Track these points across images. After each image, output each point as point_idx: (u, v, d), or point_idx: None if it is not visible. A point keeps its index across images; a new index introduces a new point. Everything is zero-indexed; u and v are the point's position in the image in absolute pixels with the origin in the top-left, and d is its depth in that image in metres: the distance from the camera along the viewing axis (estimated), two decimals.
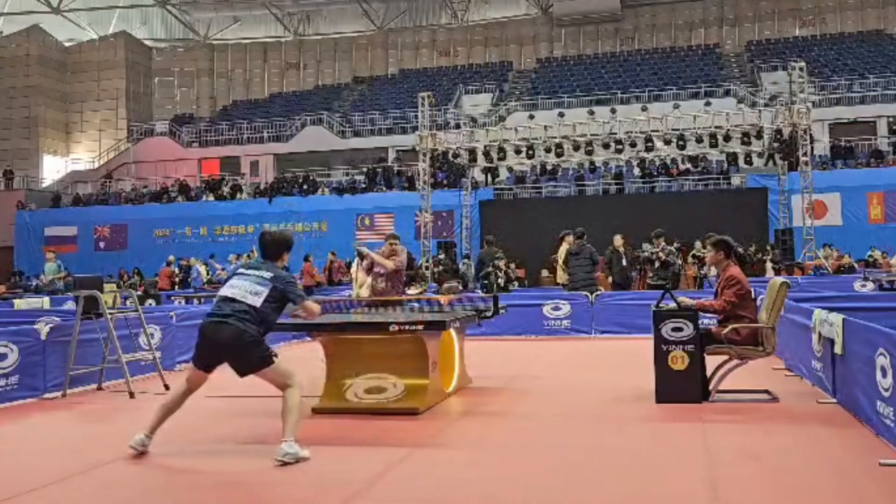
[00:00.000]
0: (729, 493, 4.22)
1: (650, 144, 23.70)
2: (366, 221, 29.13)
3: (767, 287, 7.34)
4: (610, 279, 15.81)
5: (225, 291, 5.23)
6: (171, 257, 25.77)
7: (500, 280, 15.69)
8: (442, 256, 23.43)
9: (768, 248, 22.04)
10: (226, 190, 32.54)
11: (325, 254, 23.58)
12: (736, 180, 26.73)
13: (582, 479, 4.59)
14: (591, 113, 29.23)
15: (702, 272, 18.01)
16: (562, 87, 35.60)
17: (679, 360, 6.68)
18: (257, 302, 5.12)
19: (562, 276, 15.02)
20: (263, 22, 44.63)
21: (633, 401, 6.83)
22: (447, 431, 6.00)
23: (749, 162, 24.62)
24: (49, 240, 31.37)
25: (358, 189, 30.90)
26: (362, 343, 6.75)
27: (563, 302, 12.98)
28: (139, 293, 14.37)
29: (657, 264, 14.22)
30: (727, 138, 22.79)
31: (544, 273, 23.21)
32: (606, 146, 23.52)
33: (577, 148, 23.74)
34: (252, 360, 5.10)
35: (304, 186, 31.62)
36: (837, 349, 6.19)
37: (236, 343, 5.03)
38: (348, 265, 21.68)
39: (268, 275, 5.24)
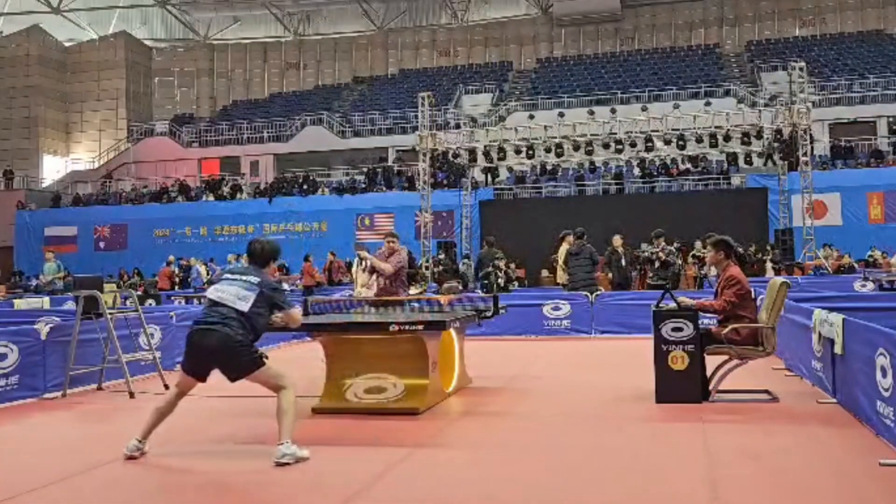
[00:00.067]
0: (729, 493, 4.22)
1: (650, 144, 23.71)
2: (366, 221, 29.14)
3: (767, 287, 7.34)
4: (609, 275, 15.78)
5: (212, 296, 5.21)
6: (171, 257, 25.78)
7: (500, 280, 15.69)
8: (442, 256, 23.43)
9: (768, 248, 22.04)
10: (226, 190, 32.55)
11: (325, 254, 23.57)
12: (736, 180, 26.73)
13: (582, 479, 4.59)
14: (591, 113, 29.23)
15: (702, 272, 18.01)
16: (562, 87, 35.61)
17: (679, 360, 6.68)
18: (245, 307, 5.12)
19: (562, 276, 15.02)
20: (263, 22, 44.64)
21: (633, 401, 6.83)
22: (447, 431, 6.00)
23: (749, 162, 24.63)
24: (49, 240, 31.38)
25: (358, 189, 30.91)
26: (362, 343, 6.75)
27: (563, 302, 12.97)
28: (139, 293, 14.38)
29: (657, 264, 14.22)
30: (727, 138, 22.79)
31: (544, 273, 23.21)
32: (606, 146, 23.52)
33: (577, 148, 23.75)
34: (241, 364, 5.08)
35: (304, 186, 31.62)
36: (837, 349, 6.19)
37: (224, 348, 5.02)
38: (348, 265, 21.68)
39: (255, 280, 5.23)
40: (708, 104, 28.86)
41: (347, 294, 12.48)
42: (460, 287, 15.64)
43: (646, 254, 14.92)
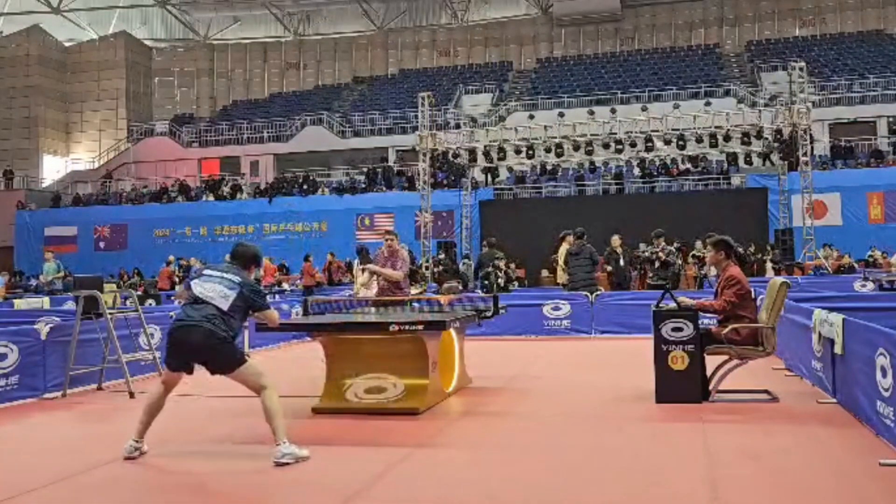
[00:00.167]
0: (729, 493, 4.22)
1: (650, 144, 23.71)
2: (366, 221, 29.13)
3: (767, 287, 7.34)
4: (609, 268, 15.76)
5: (196, 292, 5.20)
6: (171, 257, 25.77)
7: (499, 280, 15.69)
8: (442, 256, 23.42)
9: (768, 248, 22.04)
10: (226, 190, 32.55)
11: (325, 254, 23.59)
12: (736, 180, 26.72)
13: (582, 479, 4.59)
14: (591, 113, 29.23)
15: (702, 272, 18.01)
16: (562, 87, 35.61)
17: (679, 360, 6.68)
18: (225, 305, 5.14)
19: (562, 276, 15.02)
20: (263, 22, 44.64)
21: (633, 401, 6.83)
22: (447, 431, 6.00)
23: (749, 162, 24.63)
24: (49, 240, 31.39)
25: (358, 189, 30.91)
26: (362, 343, 6.75)
27: (563, 302, 12.97)
28: (139, 293, 14.38)
29: (657, 264, 14.22)
30: (727, 138, 22.79)
31: (544, 273, 23.21)
32: (606, 146, 23.53)
33: (577, 148, 23.75)
34: (224, 358, 5.10)
35: (304, 186, 31.62)
36: (837, 349, 6.18)
37: (206, 343, 5.04)
38: (348, 265, 21.72)
39: (237, 279, 5.25)
40: (708, 104, 28.86)
41: (347, 294, 12.49)
42: (460, 287, 15.64)
43: (646, 254, 14.93)
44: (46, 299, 16.15)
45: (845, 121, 30.29)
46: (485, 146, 24.59)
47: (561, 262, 14.90)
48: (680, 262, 16.21)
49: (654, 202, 25.80)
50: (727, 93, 32.08)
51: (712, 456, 4.96)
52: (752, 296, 7.17)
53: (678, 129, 23.35)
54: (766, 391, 6.88)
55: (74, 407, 7.41)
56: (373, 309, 8.63)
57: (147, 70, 44.14)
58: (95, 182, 36.97)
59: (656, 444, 5.38)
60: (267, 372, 5.28)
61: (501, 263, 17.31)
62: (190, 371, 5.28)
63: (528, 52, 42.16)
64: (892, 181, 25.38)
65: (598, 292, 13.19)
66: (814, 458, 4.91)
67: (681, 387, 6.64)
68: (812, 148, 23.47)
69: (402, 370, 6.59)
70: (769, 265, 20.61)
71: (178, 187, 33.51)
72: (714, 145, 23.20)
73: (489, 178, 28.71)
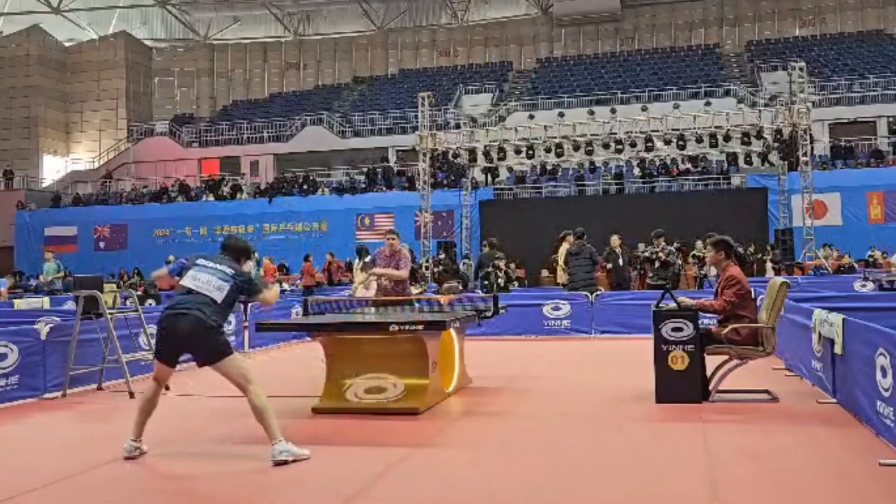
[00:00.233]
0: (729, 493, 4.22)
1: (650, 144, 23.71)
2: (366, 221, 29.14)
3: (767, 287, 7.34)
4: (608, 266, 15.74)
5: (189, 284, 5.21)
6: (171, 257, 25.68)
7: (499, 280, 15.69)
8: (442, 256, 23.42)
9: (768, 248, 22.04)
10: (226, 190, 32.55)
11: (325, 254, 23.59)
12: (736, 180, 26.73)
13: (582, 479, 4.59)
14: (591, 113, 29.23)
15: (702, 272, 18.01)
16: (562, 87, 35.61)
17: (679, 360, 6.68)
18: (220, 297, 5.18)
19: (562, 276, 15.02)
20: (263, 22, 44.64)
21: (633, 401, 6.83)
22: (447, 431, 6.00)
23: (749, 162, 24.63)
24: (49, 240, 31.38)
25: (358, 189, 30.91)
26: (362, 343, 6.75)
27: (563, 302, 12.97)
28: (139, 293, 14.39)
29: (657, 264, 14.22)
30: (727, 138, 22.79)
31: (544, 273, 23.22)
32: (606, 146, 23.52)
33: (577, 148, 23.75)
34: (211, 347, 5.09)
35: (304, 186, 31.63)
36: (837, 349, 6.18)
37: (195, 331, 5.04)
38: (348, 265, 21.72)
39: (230, 271, 5.28)
40: (708, 104, 28.86)
41: (347, 294, 12.49)
42: (460, 287, 15.64)
43: (645, 254, 14.93)
44: (46, 299, 16.15)
45: (845, 121, 30.29)
46: (485, 146, 24.59)
47: (561, 262, 14.91)
48: (680, 262, 16.21)
49: (654, 202, 25.81)
50: (727, 93, 32.09)
51: (712, 456, 4.95)
52: (752, 296, 7.17)
53: (678, 129, 23.35)
54: (766, 391, 6.88)
55: (74, 407, 7.41)
56: (373, 309, 8.63)
57: (147, 70, 44.14)
58: (95, 182, 36.97)
59: (656, 444, 5.38)
60: (252, 369, 5.28)
61: (501, 263, 17.31)
62: (174, 364, 5.27)
63: (528, 52, 42.16)
64: (892, 181, 25.38)
65: (598, 292, 13.19)
66: (814, 458, 4.91)
67: (681, 387, 6.64)
68: (812, 148, 23.47)
69: (402, 370, 6.59)
70: (769, 265, 20.61)
71: (178, 187, 33.51)
72: (714, 145, 23.20)
73: (489, 178, 28.71)
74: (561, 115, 29.86)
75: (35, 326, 7.92)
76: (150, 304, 14.81)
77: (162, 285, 5.78)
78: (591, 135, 23.67)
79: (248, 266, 5.74)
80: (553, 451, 5.23)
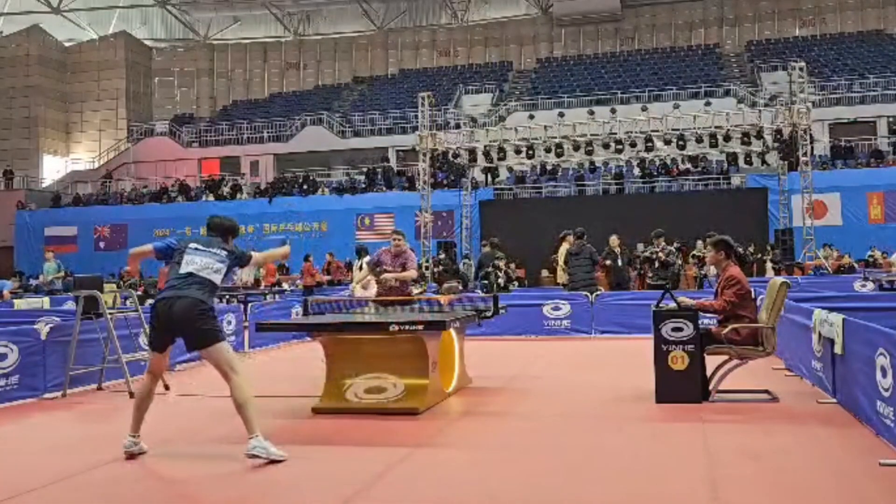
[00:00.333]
0: (729, 493, 4.22)
1: (650, 144, 23.70)
2: (366, 221, 29.14)
3: (767, 287, 7.34)
4: (608, 263, 15.74)
5: (187, 269, 5.23)
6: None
7: (500, 280, 15.69)
8: (442, 256, 23.43)
9: (768, 248, 22.03)
10: (226, 190, 32.55)
11: (325, 254, 23.59)
12: (736, 180, 26.73)
13: (582, 479, 4.59)
14: (591, 113, 29.23)
15: (702, 272, 18.02)
16: (562, 87, 35.61)
17: (679, 360, 6.68)
18: (218, 279, 5.27)
19: (562, 276, 15.01)
20: (263, 22, 44.64)
21: (633, 401, 6.83)
22: (447, 431, 6.00)
23: (749, 162, 24.63)
24: (49, 240, 31.38)
25: (358, 189, 30.91)
26: (362, 343, 6.75)
27: (563, 302, 12.97)
28: (139, 293, 14.38)
29: (657, 264, 14.22)
30: (727, 138, 22.78)
31: (544, 273, 23.22)
32: (606, 146, 23.51)
33: (577, 148, 23.74)
34: (204, 331, 5.11)
35: (304, 186, 31.63)
36: (837, 349, 6.19)
37: (189, 313, 5.06)
38: (348, 265, 21.72)
39: (223, 252, 5.35)
40: (708, 104, 28.86)
41: (347, 294, 12.50)
42: (460, 287, 15.64)
43: (645, 254, 14.93)
44: (46, 299, 16.14)
45: (845, 121, 30.29)
46: (485, 146, 24.58)
47: (561, 262, 14.91)
48: (680, 262, 16.21)
49: (654, 202, 25.80)
50: (727, 93, 32.08)
51: (712, 456, 4.96)
52: (752, 296, 7.17)
53: (678, 129, 23.34)
54: (766, 391, 6.88)
55: (74, 407, 7.41)
56: (373, 309, 8.63)
57: (147, 70, 44.14)
58: (95, 182, 36.97)
59: (656, 444, 5.38)
60: (240, 360, 5.31)
61: (501, 263, 17.31)
62: (164, 348, 5.28)
63: (528, 52, 42.15)
64: (892, 181, 25.38)
65: (598, 292, 13.19)
66: (814, 458, 4.91)
67: (681, 387, 6.64)
68: (812, 148, 23.47)
69: (402, 370, 6.59)
70: (769, 265, 20.61)
71: (178, 187, 33.51)
72: (714, 145, 23.19)
73: (489, 178, 28.71)
74: (561, 115, 29.85)
75: (35, 326, 7.92)
76: (150, 304, 14.79)
77: (134, 267, 5.80)
78: (591, 135, 23.66)
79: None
80: (553, 451, 5.23)
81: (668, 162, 27.28)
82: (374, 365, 6.65)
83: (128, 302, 10.03)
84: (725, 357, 6.80)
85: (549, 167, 27.25)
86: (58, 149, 41.04)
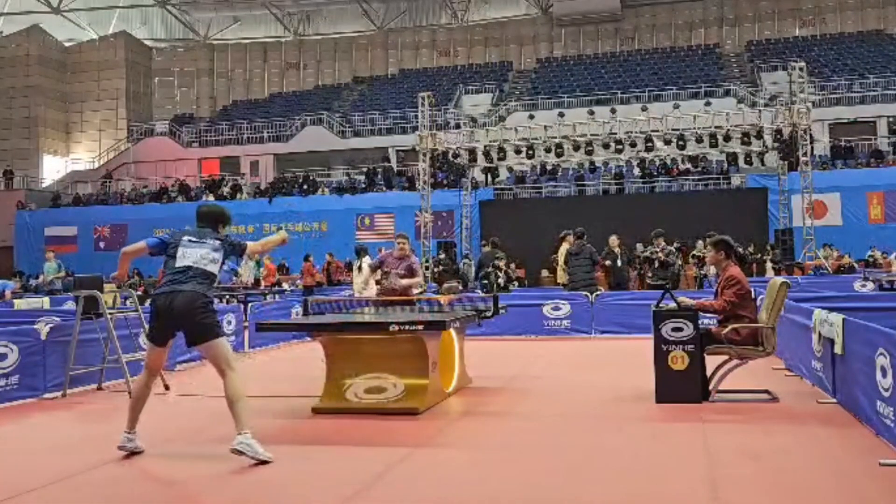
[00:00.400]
0: (729, 493, 4.22)
1: (650, 144, 23.70)
2: (366, 221, 29.15)
3: (767, 287, 7.34)
4: (608, 263, 15.74)
5: (183, 263, 5.22)
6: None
7: (500, 280, 15.69)
8: (442, 256, 23.44)
9: (768, 248, 22.03)
10: (226, 190, 32.55)
11: (325, 254, 23.59)
12: (736, 180, 26.73)
13: (582, 479, 4.59)
14: (591, 113, 29.23)
15: (702, 272, 18.02)
16: (562, 87, 35.61)
17: (679, 360, 6.68)
18: (215, 269, 5.27)
19: (562, 276, 15.01)
20: (263, 22, 44.64)
21: (633, 401, 6.83)
22: (447, 431, 6.00)
23: (749, 162, 24.64)
24: (49, 240, 31.38)
25: (358, 189, 30.91)
26: (362, 343, 6.75)
27: (563, 302, 12.97)
28: (139, 293, 14.39)
29: (656, 264, 14.22)
30: (727, 138, 22.79)
31: (544, 273, 23.22)
32: (606, 146, 23.52)
33: (577, 148, 23.74)
34: (204, 325, 5.11)
35: (304, 186, 31.63)
36: (837, 349, 6.19)
37: (190, 306, 5.06)
38: (348, 265, 21.72)
39: (217, 242, 5.34)
40: (708, 104, 28.86)
41: (347, 294, 12.50)
42: (460, 287, 15.65)
43: (645, 254, 14.93)
44: (46, 299, 16.15)
45: (845, 121, 30.29)
46: (485, 146, 24.59)
47: (561, 262, 14.91)
48: (680, 262, 16.21)
49: (654, 202, 25.81)
50: (727, 93, 32.08)
51: (712, 456, 4.95)
52: (752, 296, 7.17)
53: (678, 129, 23.34)
54: (766, 391, 6.88)
55: (74, 407, 7.41)
56: (373, 309, 8.63)
57: (147, 70, 44.14)
58: (95, 182, 36.97)
59: (656, 444, 5.38)
60: (237, 358, 5.31)
61: (501, 263, 17.31)
62: (164, 343, 5.28)
63: (528, 52, 42.15)
64: (892, 181, 25.38)
65: (598, 292, 13.19)
66: (814, 458, 4.91)
67: (681, 387, 6.64)
68: (812, 148, 23.46)
69: (402, 370, 6.59)
70: (769, 265, 20.60)
71: (178, 187, 33.51)
72: (714, 145, 23.20)
73: (489, 178, 28.72)
74: (561, 115, 29.86)
75: (35, 326, 7.92)
76: (150, 299, 14.78)
77: (123, 271, 5.76)
78: (591, 135, 23.66)
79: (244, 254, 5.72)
80: (553, 451, 5.23)
81: (668, 162, 27.29)
82: (374, 365, 6.65)
83: (128, 302, 10.03)
84: (725, 357, 6.80)
85: (549, 167, 27.25)
86: (58, 149, 41.04)
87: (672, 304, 6.93)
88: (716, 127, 22.86)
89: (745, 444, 5.25)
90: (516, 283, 19.92)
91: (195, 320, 5.10)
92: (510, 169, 27.25)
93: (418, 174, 25.78)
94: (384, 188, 30.50)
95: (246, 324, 11.69)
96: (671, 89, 33.01)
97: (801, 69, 22.73)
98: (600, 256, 14.48)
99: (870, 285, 15.28)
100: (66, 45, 42.53)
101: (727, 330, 6.66)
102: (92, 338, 8.17)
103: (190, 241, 5.31)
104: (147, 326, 5.45)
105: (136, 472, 4.95)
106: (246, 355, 11.16)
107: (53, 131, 40.96)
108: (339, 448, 5.44)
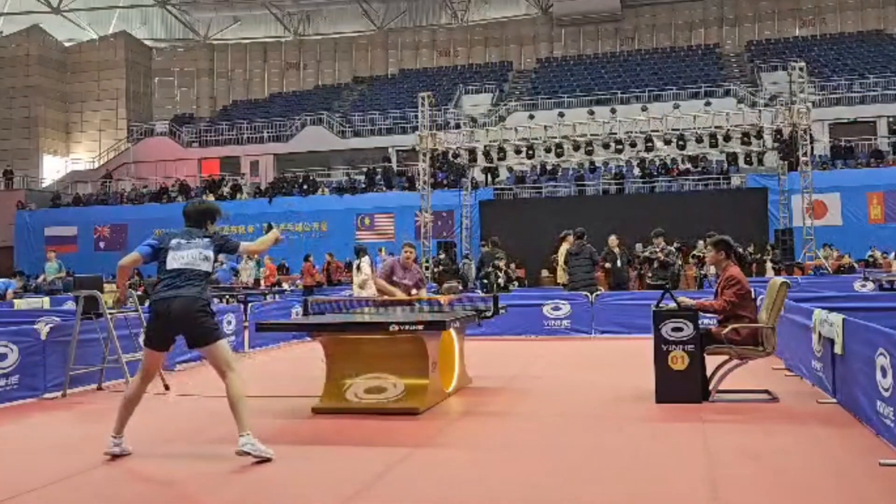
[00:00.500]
0: (729, 493, 4.22)
1: (650, 144, 23.70)
2: (366, 221, 29.15)
3: (767, 287, 7.34)
4: (608, 266, 15.73)
5: (176, 265, 5.20)
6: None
7: (500, 280, 15.70)
8: (442, 256, 23.44)
9: (768, 248, 22.03)
10: (226, 190, 32.55)
11: (325, 254, 23.59)
12: (736, 180, 26.74)
13: (582, 479, 4.59)
14: (591, 113, 29.23)
15: (702, 272, 18.02)
16: (562, 87, 35.61)
17: (679, 360, 6.68)
18: (208, 266, 5.25)
19: (562, 276, 15.01)
20: (263, 22, 44.64)
21: (633, 401, 6.83)
22: (447, 431, 6.00)
23: (749, 162, 24.64)
24: (49, 240, 31.40)
25: (358, 189, 30.92)
26: (362, 343, 6.75)
27: (563, 302, 12.97)
28: (139, 293, 14.38)
29: (656, 264, 14.22)
30: (727, 138, 22.79)
31: (544, 273, 23.22)
32: (606, 146, 23.52)
33: (577, 148, 23.74)
34: (205, 328, 5.11)
35: (304, 186, 31.63)
36: (837, 349, 6.18)
37: (189, 311, 5.06)
38: (347, 265, 21.73)
39: (206, 240, 5.31)
40: (708, 104, 28.86)
41: (347, 294, 12.50)
42: (460, 287, 15.65)
43: (645, 254, 14.92)
44: (46, 299, 16.16)
45: (845, 121, 30.29)
46: (485, 146, 24.59)
47: (561, 262, 14.90)
48: (680, 262, 16.21)
49: (654, 202, 25.81)
50: (727, 93, 32.08)
51: (712, 456, 4.95)
52: (752, 296, 7.17)
53: (678, 129, 23.34)
54: (766, 391, 6.88)
55: (74, 407, 7.41)
56: (373, 309, 8.63)
57: (147, 70, 44.15)
58: (95, 182, 36.97)
59: (656, 444, 5.38)
60: (236, 358, 5.29)
61: (501, 263, 17.32)
62: (166, 348, 5.28)
63: (528, 52, 42.15)
64: (892, 181, 25.38)
65: (598, 292, 13.18)
66: (814, 458, 4.91)
67: (681, 387, 6.64)
68: (812, 148, 23.46)
69: (402, 370, 6.59)
70: (769, 265, 20.60)
71: (178, 187, 33.51)
72: (714, 145, 23.20)
73: (489, 178, 28.72)
74: (561, 115, 29.86)
75: (35, 326, 7.92)
76: (148, 304, 14.78)
77: (123, 288, 5.72)
78: (591, 135, 23.66)
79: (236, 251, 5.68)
80: (553, 451, 5.23)
81: (668, 162, 27.29)
82: (374, 365, 6.65)
83: (128, 302, 10.02)
84: (725, 357, 6.80)
85: (549, 167, 27.25)
86: (58, 149, 41.04)
87: (672, 304, 6.93)
88: (716, 127, 22.86)
89: (745, 444, 5.25)
90: (516, 283, 19.93)
91: (195, 324, 5.10)
92: (510, 169, 27.25)
93: (418, 174, 25.78)
94: (384, 188, 30.51)
95: (246, 324, 11.68)
96: (671, 89, 33.01)
97: (801, 69, 22.73)
98: (600, 257, 14.48)
99: (870, 285, 15.28)
100: (66, 45, 42.53)
101: (727, 330, 6.66)
102: (92, 338, 8.17)
103: (179, 243, 5.28)
104: (146, 328, 5.42)
105: (135, 472, 4.94)
106: (246, 355, 11.16)
107: (53, 131, 40.97)
108: (339, 448, 5.44)
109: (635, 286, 17.06)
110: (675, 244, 15.87)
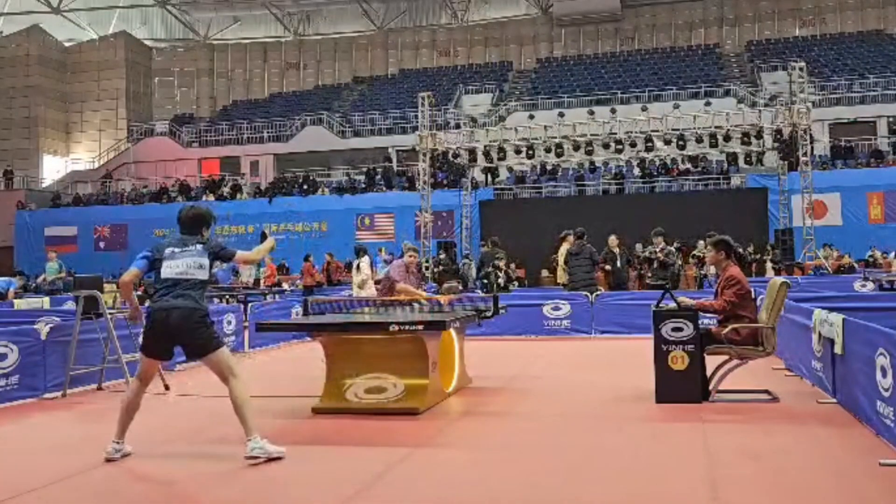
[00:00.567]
0: (729, 493, 4.22)
1: (650, 144, 23.70)
2: (366, 221, 29.15)
3: (767, 287, 7.34)
4: (607, 268, 15.73)
5: (171, 275, 5.15)
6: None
7: (500, 280, 15.69)
8: (442, 256, 23.43)
9: (768, 248, 22.03)
10: (226, 190, 32.56)
11: (325, 254, 23.59)
12: (736, 180, 26.74)
13: (582, 479, 4.59)
14: (591, 113, 29.23)
15: (702, 272, 18.02)
16: (562, 87, 35.61)
17: (679, 360, 6.68)
18: (205, 275, 5.21)
19: (562, 276, 15.01)
20: (263, 22, 44.64)
21: (633, 401, 6.83)
22: (447, 431, 6.00)
23: (749, 162, 24.64)
24: (49, 240, 31.39)
25: (358, 189, 30.92)
26: (362, 343, 6.75)
27: (563, 302, 12.97)
28: (139, 293, 14.37)
29: (655, 264, 14.21)
30: (727, 138, 22.78)
31: (544, 273, 23.22)
32: (606, 146, 23.51)
33: (577, 148, 23.73)
34: (204, 339, 5.10)
35: (304, 186, 31.63)
36: (837, 349, 6.18)
37: (187, 322, 5.03)
38: (347, 265, 21.72)
39: (200, 247, 5.26)
40: (708, 104, 28.86)
41: (347, 294, 12.50)
42: (460, 287, 15.64)
43: (645, 254, 14.92)
44: (46, 299, 16.16)
45: (845, 121, 30.29)
46: (485, 146, 24.58)
47: (561, 262, 14.90)
48: (679, 262, 16.20)
49: (654, 202, 25.80)
50: (727, 93, 32.08)
51: (712, 456, 4.96)
52: (752, 296, 7.17)
53: (678, 129, 23.33)
54: (766, 391, 6.88)
55: (74, 407, 7.41)
56: (373, 309, 8.62)
57: (147, 70, 44.15)
58: (95, 182, 36.98)
59: (656, 444, 5.38)
60: (237, 362, 5.30)
61: (501, 263, 17.31)
62: (168, 357, 5.26)
63: (528, 52, 42.15)
64: (892, 181, 25.38)
65: (598, 292, 13.18)
66: (814, 458, 4.91)
67: (681, 387, 6.64)
68: (812, 148, 23.46)
69: (402, 370, 6.59)
70: (769, 265, 20.60)
71: (178, 187, 33.51)
72: (714, 145, 23.19)
73: (489, 178, 28.72)
74: (561, 115, 29.85)
75: (35, 326, 7.92)
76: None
77: (133, 305, 5.67)
78: (591, 135, 23.65)
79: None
80: (553, 451, 5.23)
81: (668, 162, 27.29)
82: (374, 365, 6.65)
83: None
84: (725, 357, 6.80)
85: (549, 167, 27.25)
86: (58, 149, 41.04)
87: (672, 304, 6.93)
88: (716, 127, 22.85)
89: (745, 444, 5.25)
90: (516, 283, 19.93)
91: (193, 336, 5.08)
92: (510, 169, 27.25)
93: (418, 174, 25.77)
94: (384, 188, 30.51)
95: (246, 324, 11.68)
96: (671, 89, 33.01)
97: (801, 69, 22.73)
98: (600, 257, 14.47)
99: (870, 285, 15.28)
100: (66, 45, 42.53)
101: (727, 330, 6.66)
102: (92, 338, 8.17)
103: (173, 252, 5.22)
104: (143, 337, 5.39)
105: (135, 471, 4.95)
106: (246, 355, 11.16)
107: (53, 131, 40.97)
108: (339, 448, 5.44)
109: (635, 286, 17.06)
110: (675, 244, 15.85)
